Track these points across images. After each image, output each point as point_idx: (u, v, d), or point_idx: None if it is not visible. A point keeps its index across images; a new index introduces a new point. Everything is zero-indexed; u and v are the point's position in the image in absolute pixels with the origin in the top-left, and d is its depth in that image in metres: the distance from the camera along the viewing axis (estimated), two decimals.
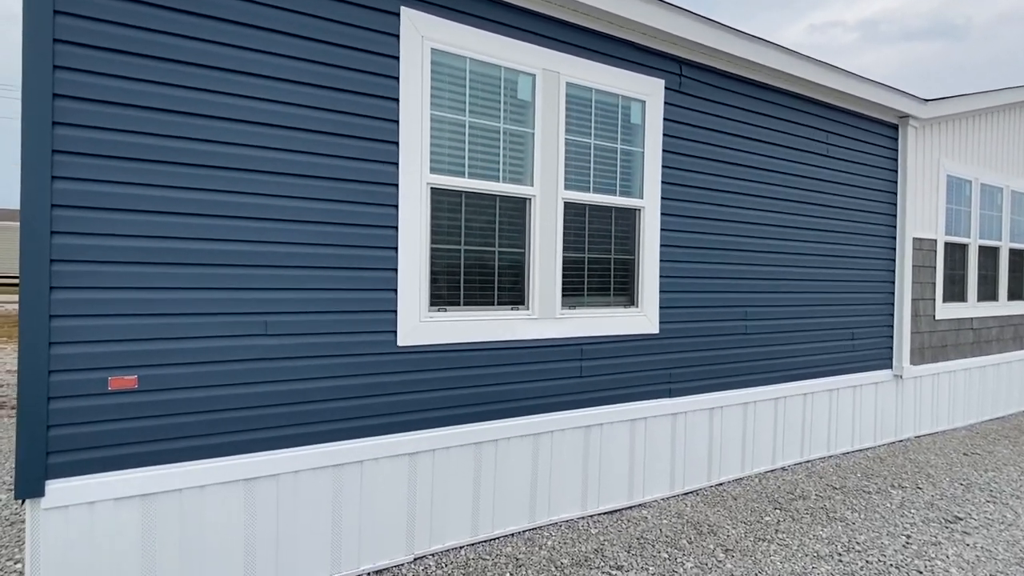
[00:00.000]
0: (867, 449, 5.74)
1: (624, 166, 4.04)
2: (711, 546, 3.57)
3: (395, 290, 3.19)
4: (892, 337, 5.98)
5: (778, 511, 4.15)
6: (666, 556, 3.44)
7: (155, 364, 2.61)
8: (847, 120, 5.42)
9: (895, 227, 5.94)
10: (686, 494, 4.45)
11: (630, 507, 4.17)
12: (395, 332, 3.19)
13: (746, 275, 4.71)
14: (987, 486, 4.76)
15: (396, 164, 3.17)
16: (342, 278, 3.04)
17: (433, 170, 3.30)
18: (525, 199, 3.63)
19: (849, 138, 5.45)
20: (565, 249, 3.79)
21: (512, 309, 3.63)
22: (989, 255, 7.25)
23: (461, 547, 3.47)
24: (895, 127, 5.89)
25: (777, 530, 3.83)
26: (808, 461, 5.31)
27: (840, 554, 3.51)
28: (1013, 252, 7.60)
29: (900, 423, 6.13)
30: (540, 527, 3.78)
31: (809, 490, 4.59)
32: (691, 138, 4.34)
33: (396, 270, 3.18)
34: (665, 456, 4.34)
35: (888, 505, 4.32)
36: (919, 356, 6.21)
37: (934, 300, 6.41)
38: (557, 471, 3.82)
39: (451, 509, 3.42)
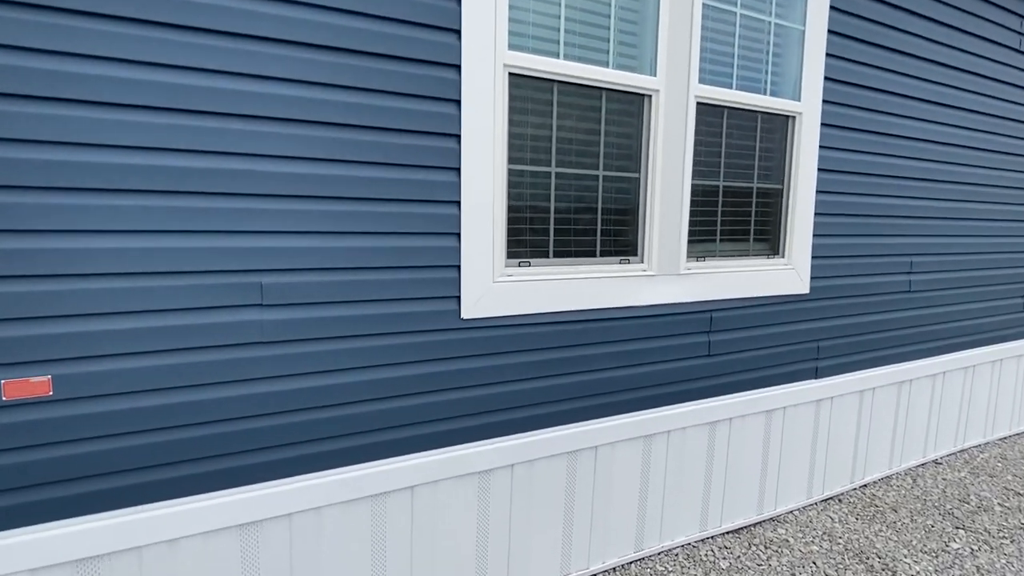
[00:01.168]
0: None
1: (776, 52, 2.77)
2: None
3: (457, 235, 2.08)
4: None
5: (961, 531, 3.08)
6: None
7: (81, 357, 1.60)
8: None
9: None
10: (826, 501, 3.40)
11: (760, 523, 3.14)
12: (458, 298, 2.11)
13: (916, 212, 3.45)
14: None
15: (457, 32, 1.99)
16: (372, 216, 1.94)
17: (513, 45, 2.11)
18: (643, 95, 2.43)
19: None
20: (694, 174, 2.60)
21: (620, 262, 2.50)
22: None
23: None
24: None
25: (978, 568, 2.76)
26: (963, 450, 4.19)
27: None
28: None
29: None
30: (647, 556, 2.78)
31: (986, 495, 3.49)
32: (864, 15, 3.01)
33: (459, 203, 2.06)
34: (804, 454, 3.27)
35: None
36: None
37: None
38: (673, 481, 2.79)
39: (533, 544, 2.43)
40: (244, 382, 1.81)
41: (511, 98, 2.14)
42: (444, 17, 1.96)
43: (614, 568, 2.68)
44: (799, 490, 3.29)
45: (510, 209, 2.20)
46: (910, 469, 3.85)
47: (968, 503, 3.41)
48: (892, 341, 3.52)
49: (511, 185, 2.19)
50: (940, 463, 3.98)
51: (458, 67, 2.01)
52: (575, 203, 2.36)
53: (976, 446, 4.27)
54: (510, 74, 2.12)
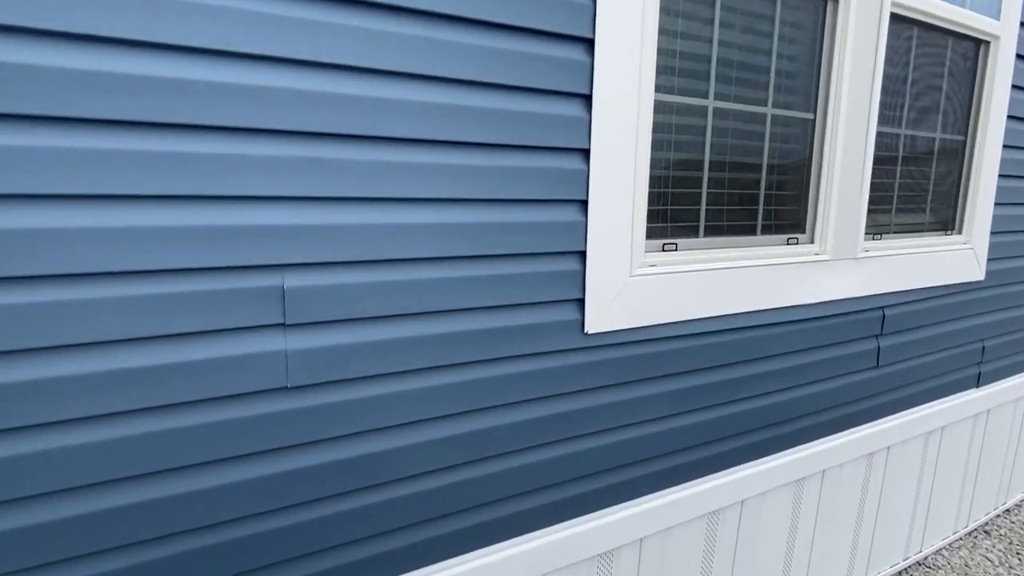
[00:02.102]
0: None
1: None
2: None
3: (583, 203, 1.32)
4: None
5: None
6: None
7: None
8: None
9: None
10: (973, 534, 2.75)
11: (909, 568, 2.48)
12: (580, 302, 1.36)
13: None
14: None
15: None
16: (445, 170, 1.18)
17: None
18: None
19: None
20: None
21: (788, 242, 1.76)
22: None
23: None
24: None
25: None
26: None
27: None
28: None
29: None
30: None
31: None
32: None
33: (587, 152, 1.30)
34: (956, 480, 2.60)
35: None
36: None
37: None
38: (822, 531, 2.10)
39: None
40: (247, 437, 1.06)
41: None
42: None
43: None
44: (948, 523, 2.63)
45: (652, 163, 1.44)
46: None
47: None
48: None
49: (655, 126, 1.42)
50: None
51: None
52: (734, 155, 1.60)
53: None
54: None
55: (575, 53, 1.25)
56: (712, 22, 1.48)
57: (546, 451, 1.39)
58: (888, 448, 2.23)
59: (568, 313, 1.35)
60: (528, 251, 1.27)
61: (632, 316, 1.41)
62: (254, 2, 0.95)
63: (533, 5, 1.19)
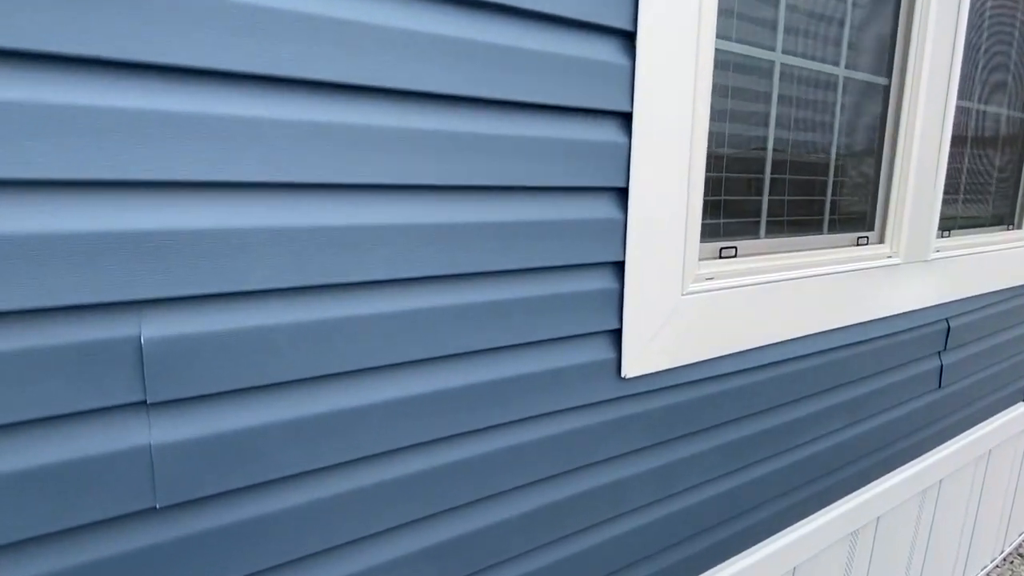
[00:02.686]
0: None
1: None
2: None
3: (624, 191, 0.91)
4: None
5: None
6: None
7: None
8: None
9: None
10: (1008, 558, 2.47)
11: None
12: (616, 334, 0.95)
13: None
14: None
15: None
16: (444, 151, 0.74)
17: None
18: None
19: None
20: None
21: (859, 242, 1.39)
22: None
23: None
24: None
25: None
26: None
27: None
28: None
29: None
30: None
31: None
32: None
33: (630, 116, 0.89)
34: (999, 502, 2.31)
35: None
36: None
37: None
38: None
39: None
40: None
41: None
42: None
43: None
44: (989, 548, 2.34)
45: (709, 140, 1.04)
46: None
47: None
48: None
49: (714, 88, 1.02)
50: None
51: None
52: (801, 132, 1.21)
53: None
54: None
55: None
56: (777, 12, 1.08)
57: (565, 546, 0.98)
58: (941, 481, 1.91)
59: (599, 352, 0.94)
60: (542, 264, 0.86)
61: (683, 350, 1.01)
62: None
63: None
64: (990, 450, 2.14)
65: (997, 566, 2.44)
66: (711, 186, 1.09)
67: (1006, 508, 2.40)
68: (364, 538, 0.78)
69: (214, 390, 0.64)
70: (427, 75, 0.71)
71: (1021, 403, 2.21)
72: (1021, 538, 2.59)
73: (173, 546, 0.64)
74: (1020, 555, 2.53)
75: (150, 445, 0.61)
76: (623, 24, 0.85)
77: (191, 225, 0.60)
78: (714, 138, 1.08)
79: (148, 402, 0.61)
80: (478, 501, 0.87)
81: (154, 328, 0.60)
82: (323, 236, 0.68)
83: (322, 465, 0.72)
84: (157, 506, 0.62)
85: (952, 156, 1.64)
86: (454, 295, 0.79)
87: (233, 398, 0.66)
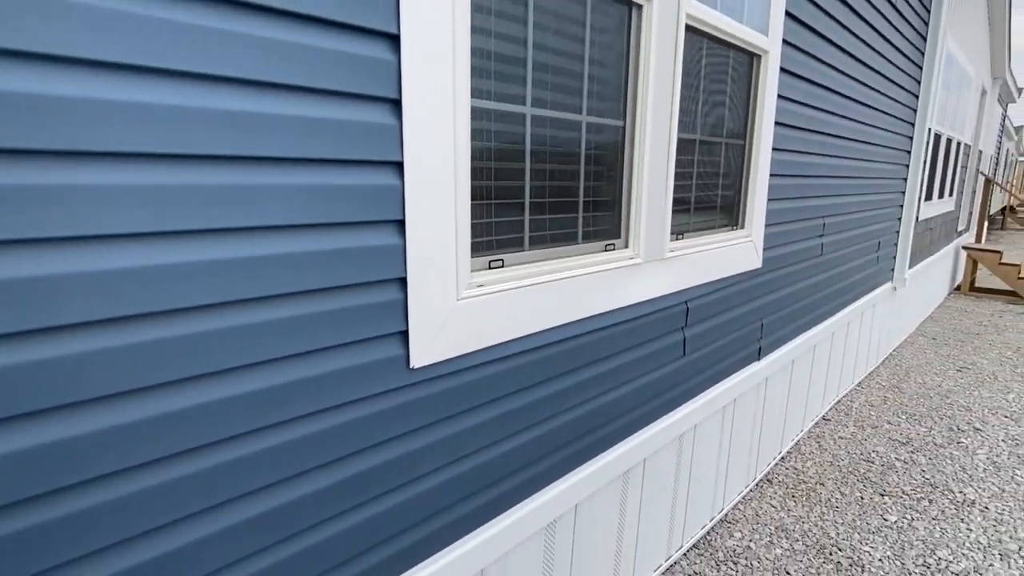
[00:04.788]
0: (872, 375, 4.98)
1: None
2: None
3: (399, 222, 1.16)
4: (898, 244, 5.11)
5: (886, 497, 3.05)
6: None
7: None
8: None
9: (915, 111, 4.87)
10: (761, 484, 3.18)
11: (715, 527, 2.78)
12: (403, 335, 1.21)
13: (828, 170, 3.26)
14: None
15: None
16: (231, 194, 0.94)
17: None
18: (631, 4, 1.67)
19: None
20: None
21: (606, 249, 1.78)
22: (946, 147, 6.70)
23: None
24: None
25: (924, 542, 2.69)
26: (839, 401, 4.36)
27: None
28: (953, 142, 7.20)
29: (889, 340, 5.48)
30: None
31: (882, 451, 3.57)
32: None
33: (402, 164, 1.14)
34: (746, 441, 2.96)
35: (978, 464, 3.43)
36: (911, 263, 5.51)
37: (920, 199, 5.65)
38: (646, 515, 2.24)
39: None
40: None
41: None
42: None
43: None
44: (741, 478, 3.00)
45: (473, 174, 1.33)
46: (811, 430, 3.85)
47: (873, 462, 3.45)
48: (809, 308, 3.36)
49: (473, 133, 1.31)
50: (828, 419, 4.06)
51: None
52: (555, 163, 1.55)
53: (847, 395, 4.49)
54: None
55: (377, 50, 1.07)
56: (526, 20, 1.39)
57: (370, 507, 1.22)
58: (695, 427, 2.44)
59: (390, 350, 1.19)
60: (337, 284, 1.08)
61: (462, 343, 1.30)
62: None
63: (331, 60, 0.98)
64: (735, 399, 2.75)
65: (751, 490, 3.13)
66: (482, 211, 1.38)
67: (754, 445, 3.08)
68: (182, 519, 0.95)
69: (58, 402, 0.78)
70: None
71: (756, 362, 2.86)
72: (768, 467, 3.32)
73: (38, 527, 0.77)
74: (768, 480, 3.25)
75: None
76: (391, 94, 1.09)
77: None
78: (482, 172, 1.37)
79: None
80: (288, 479, 1.07)
81: None
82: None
83: (144, 460, 0.88)
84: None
85: (685, 175, 2.12)
86: (263, 314, 0.98)
87: (75, 409, 0.80)
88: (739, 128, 2.38)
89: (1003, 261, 7.97)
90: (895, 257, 5.12)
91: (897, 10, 3.82)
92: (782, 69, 2.50)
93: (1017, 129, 20.48)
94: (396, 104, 1.11)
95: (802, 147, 2.82)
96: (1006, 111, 12.46)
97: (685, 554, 2.58)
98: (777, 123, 2.56)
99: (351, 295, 1.11)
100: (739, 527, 2.79)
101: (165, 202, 0.85)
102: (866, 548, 2.64)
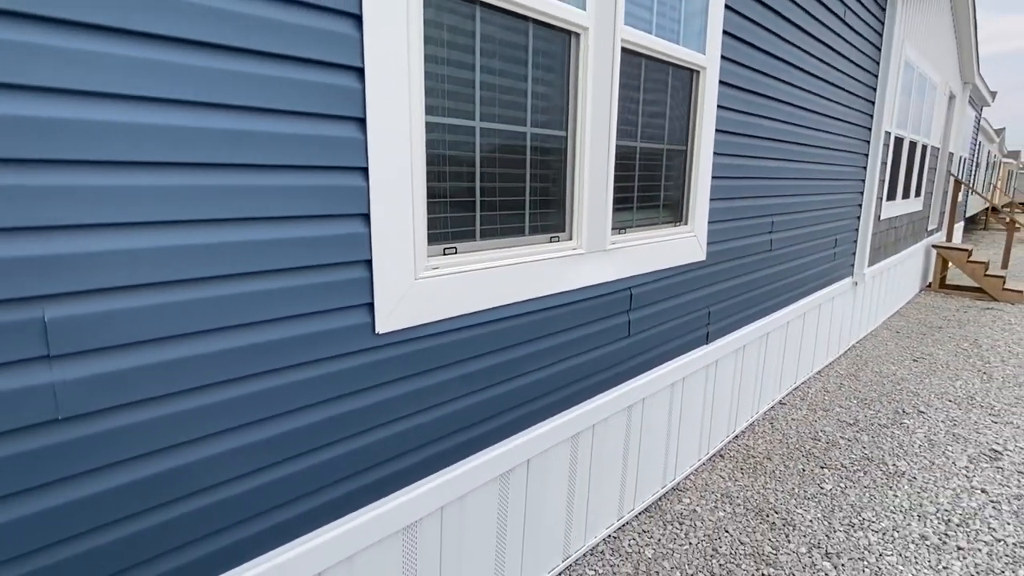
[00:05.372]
0: (833, 364, 5.30)
1: None
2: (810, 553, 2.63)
3: (365, 216, 1.46)
4: (857, 242, 5.44)
5: (826, 470, 3.36)
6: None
7: None
8: None
9: (871, 116, 5.20)
10: (712, 459, 3.48)
11: (666, 494, 3.08)
12: (370, 306, 1.50)
13: (775, 172, 3.57)
14: (976, 401, 4.49)
15: None
16: (225, 192, 1.24)
17: None
18: (571, 33, 1.97)
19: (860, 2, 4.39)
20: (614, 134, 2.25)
21: (551, 241, 2.08)
22: (910, 150, 7.04)
23: None
24: None
25: (852, 506, 3.00)
26: (797, 387, 4.68)
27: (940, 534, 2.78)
28: (918, 145, 7.54)
29: (851, 333, 5.80)
30: (574, 562, 2.52)
31: (829, 431, 3.88)
32: None
33: (366, 170, 1.43)
34: (697, 418, 3.27)
35: (915, 442, 3.75)
36: (871, 260, 5.83)
37: (882, 199, 5.98)
38: (596, 474, 2.54)
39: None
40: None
41: (426, 23, 1.54)
42: None
43: None
44: (693, 452, 3.30)
45: (429, 177, 1.63)
46: (765, 413, 4.16)
47: (819, 440, 3.76)
48: (759, 299, 3.66)
49: (429, 144, 1.60)
50: (784, 403, 4.37)
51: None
52: (502, 168, 1.85)
53: (804, 382, 4.81)
54: None
55: (348, 79, 1.37)
56: (474, 49, 1.69)
57: (346, 444, 1.52)
58: (643, 400, 2.74)
59: (360, 317, 1.49)
60: (316, 263, 1.38)
61: (420, 314, 1.59)
62: None
63: (304, 37, 1.27)
64: (684, 378, 3.05)
65: (703, 464, 3.43)
66: (439, 208, 1.68)
67: (705, 422, 3.38)
68: (185, 442, 1.24)
69: (101, 345, 1.07)
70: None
71: (704, 346, 3.17)
72: (721, 444, 3.63)
73: (76, 441, 1.06)
74: (720, 456, 3.55)
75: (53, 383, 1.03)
76: (358, 114, 1.39)
77: None
78: (439, 175, 1.66)
79: None
80: (278, 416, 1.37)
81: None
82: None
83: (137, 399, 1.18)
84: (60, 417, 1.04)
85: (628, 177, 2.42)
86: (247, 286, 1.27)
87: (113, 351, 1.09)
88: (681, 135, 2.69)
89: (971, 259, 8.33)
90: (855, 254, 5.44)
91: (846, 23, 4.14)
92: (721, 82, 2.81)
93: (998, 131, 20.92)
94: (362, 122, 1.41)
95: (744, 151, 3.12)
96: (980, 114, 12.83)
97: (637, 516, 2.88)
98: (718, 130, 2.86)
99: (329, 272, 1.40)
100: (688, 494, 3.10)
101: (184, 198, 1.15)
102: (800, 511, 2.95)
